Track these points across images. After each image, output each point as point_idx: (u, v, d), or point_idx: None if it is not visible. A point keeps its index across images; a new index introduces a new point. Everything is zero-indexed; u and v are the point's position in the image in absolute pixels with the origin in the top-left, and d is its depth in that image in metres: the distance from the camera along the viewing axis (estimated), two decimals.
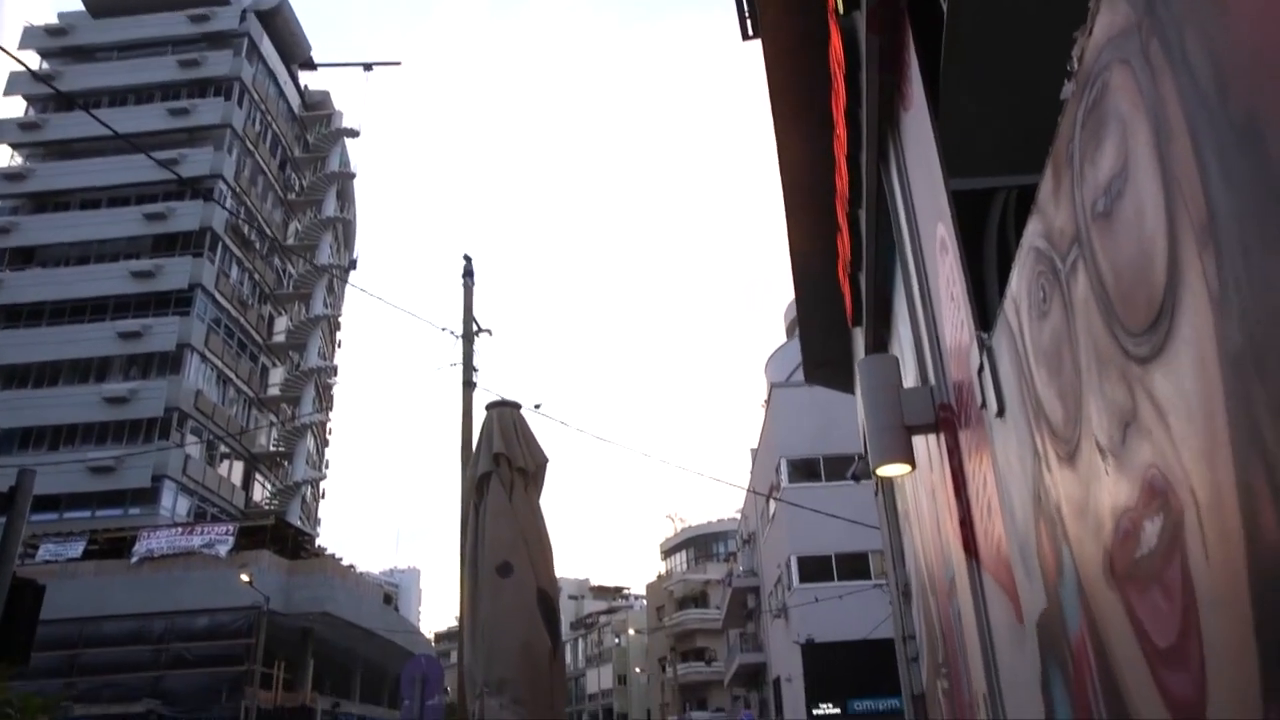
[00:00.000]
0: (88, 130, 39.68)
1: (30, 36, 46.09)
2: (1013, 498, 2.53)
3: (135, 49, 46.28)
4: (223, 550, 29.63)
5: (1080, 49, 1.71)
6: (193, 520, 35.90)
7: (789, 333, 38.84)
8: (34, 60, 44.85)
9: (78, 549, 30.67)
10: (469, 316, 13.38)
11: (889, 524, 6.87)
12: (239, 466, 43.60)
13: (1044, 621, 2.32)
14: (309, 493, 49.47)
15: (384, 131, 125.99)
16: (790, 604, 29.04)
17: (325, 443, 54.01)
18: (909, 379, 4.14)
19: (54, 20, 47.37)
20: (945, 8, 3.15)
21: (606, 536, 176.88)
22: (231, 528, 31.32)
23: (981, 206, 3.60)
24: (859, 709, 25.94)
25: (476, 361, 12.95)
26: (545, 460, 5.36)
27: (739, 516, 48.37)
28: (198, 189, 40.10)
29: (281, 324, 48.52)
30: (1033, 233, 2.05)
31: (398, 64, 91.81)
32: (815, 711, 26.40)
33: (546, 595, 4.94)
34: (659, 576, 68.36)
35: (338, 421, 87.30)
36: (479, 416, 5.69)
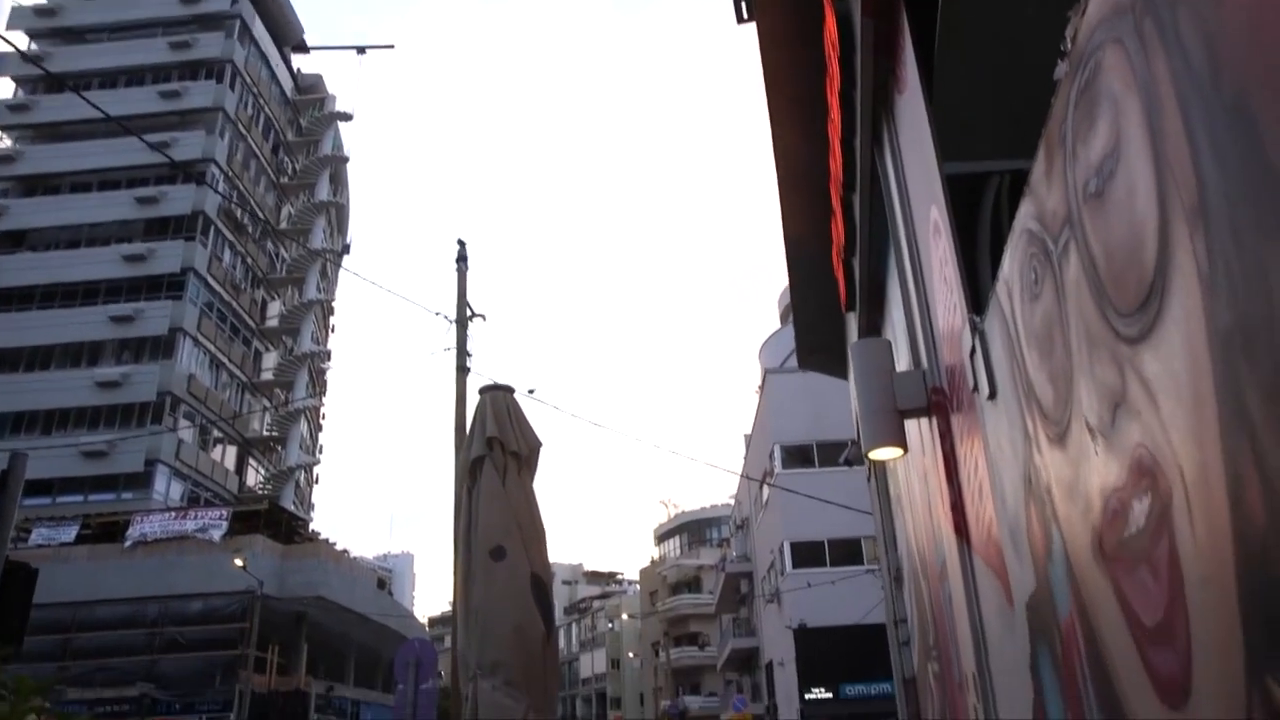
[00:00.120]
0: (78, 112, 39.40)
1: (18, 16, 45.62)
2: (1003, 480, 2.54)
3: (125, 30, 45.85)
4: (216, 535, 29.65)
5: (1074, 28, 1.71)
6: (186, 505, 35.87)
7: (783, 319, 38.86)
8: (22, 41, 44.44)
9: (71, 533, 30.66)
10: (463, 301, 13.37)
11: (881, 509, 6.90)
12: (232, 451, 43.56)
13: (1033, 603, 2.34)
14: (302, 478, 49.46)
15: (377, 115, 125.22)
16: (783, 589, 29.19)
17: (319, 428, 53.97)
18: (902, 363, 4.15)
19: (43, 1, 46.89)
20: None
21: (600, 522, 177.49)
22: (225, 512, 31.33)
23: (975, 190, 3.60)
24: (851, 693, 26.14)
25: (470, 346, 12.97)
26: (539, 444, 5.36)
27: (732, 502, 48.55)
28: (190, 173, 39.85)
29: (275, 308, 48.37)
30: (1025, 214, 2.05)
31: (391, 47, 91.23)
32: (807, 696, 26.59)
33: (540, 579, 4.95)
34: (652, 561, 68.62)
35: (331, 406, 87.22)
36: (472, 401, 5.69)
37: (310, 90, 55.21)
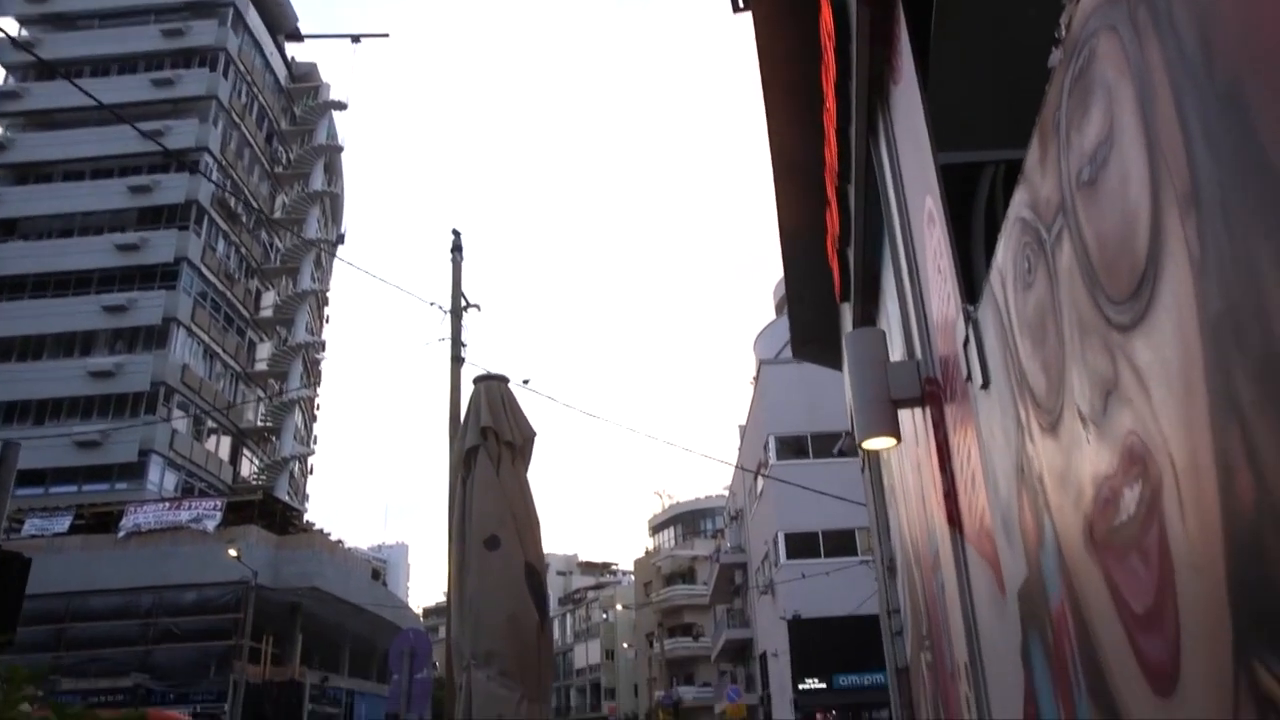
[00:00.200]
0: (70, 100, 39.14)
1: (9, 3, 45.22)
2: (996, 469, 2.54)
3: (117, 17, 45.52)
4: (210, 525, 29.61)
5: (1069, 16, 1.71)
6: (180, 495, 35.81)
7: (778, 310, 38.87)
8: (13, 27, 44.11)
9: (64, 523, 30.59)
10: (457, 291, 13.34)
11: (875, 499, 6.92)
12: (226, 442, 43.48)
13: (1025, 591, 2.35)
14: (297, 468, 49.40)
15: (372, 104, 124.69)
16: (777, 580, 29.27)
17: (313, 418, 53.90)
18: (896, 353, 4.16)
19: None
20: None
21: (595, 513, 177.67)
22: (219, 503, 31.29)
23: (970, 181, 3.60)
24: (844, 684, 26.25)
25: (465, 337, 12.94)
26: (533, 434, 5.36)
27: (727, 493, 48.64)
28: (183, 161, 39.64)
29: (269, 299, 48.22)
30: (1019, 203, 2.05)
31: (385, 36, 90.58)
32: (801, 686, 26.70)
33: (534, 569, 4.95)
34: (647, 552, 68.78)
35: (326, 397, 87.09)
36: (467, 392, 5.69)
37: (304, 79, 54.90)
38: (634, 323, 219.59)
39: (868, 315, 5.98)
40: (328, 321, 55.79)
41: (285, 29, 53.19)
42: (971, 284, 2.87)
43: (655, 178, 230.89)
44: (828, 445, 27.43)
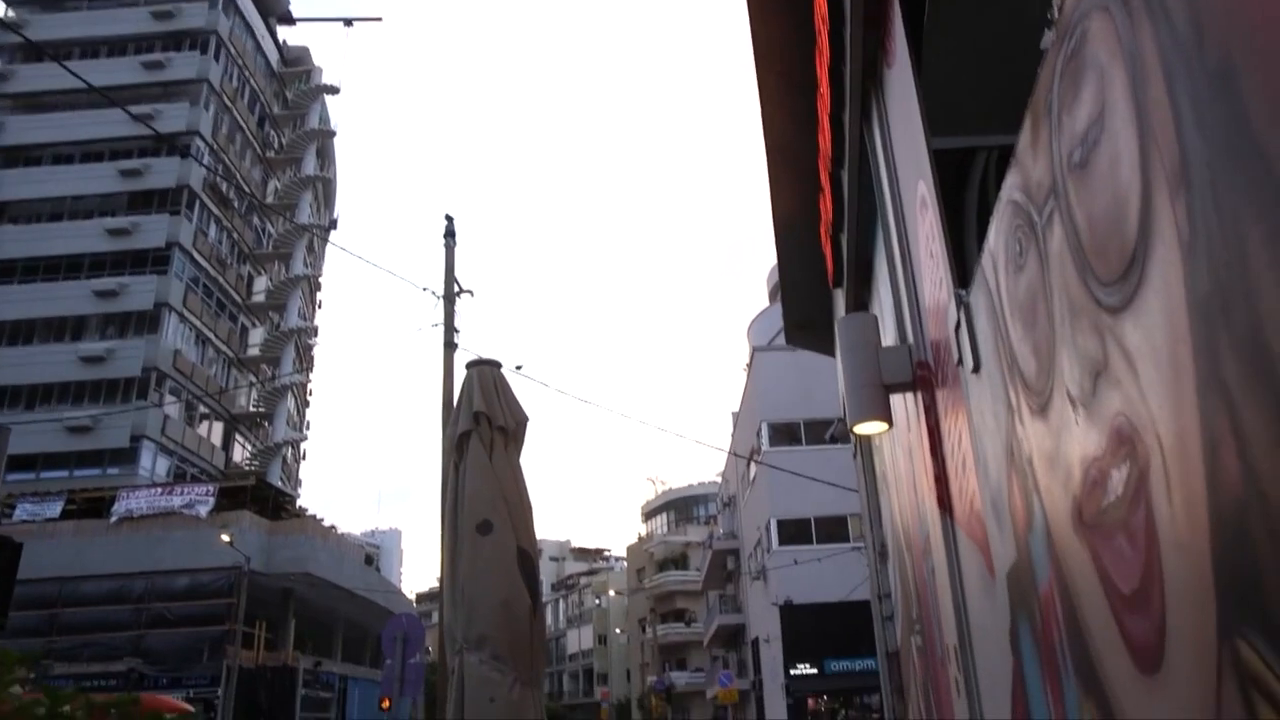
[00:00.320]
0: (58, 82, 38.73)
1: None
2: (986, 453, 2.56)
3: None
4: (203, 510, 29.60)
5: None
6: (172, 480, 35.76)
7: (771, 297, 38.90)
8: (0, 8, 43.63)
9: (55, 509, 30.54)
10: (450, 277, 13.31)
11: (867, 485, 6.95)
12: (219, 427, 43.39)
13: (1014, 573, 2.36)
14: (289, 453, 49.37)
15: (365, 89, 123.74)
16: (769, 566, 29.41)
17: (306, 403, 53.82)
18: (888, 339, 4.16)
19: None
20: None
21: (587, 499, 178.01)
22: (212, 488, 31.25)
23: (963, 166, 3.60)
24: (835, 669, 26.44)
25: (458, 322, 12.93)
26: (525, 419, 5.36)
27: (719, 479, 48.76)
28: (174, 145, 39.35)
29: (261, 284, 48.03)
30: (1011, 185, 2.05)
31: (379, 19, 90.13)
32: (793, 672, 26.88)
33: (526, 554, 4.97)
34: (639, 538, 69.00)
35: (318, 382, 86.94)
36: (460, 378, 5.68)
37: (296, 63, 54.50)
38: (627, 309, 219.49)
39: (860, 300, 5.99)
40: (320, 307, 55.68)
41: (277, 12, 52.76)
42: (963, 269, 2.87)
43: (649, 164, 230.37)
44: (820, 432, 27.51)
